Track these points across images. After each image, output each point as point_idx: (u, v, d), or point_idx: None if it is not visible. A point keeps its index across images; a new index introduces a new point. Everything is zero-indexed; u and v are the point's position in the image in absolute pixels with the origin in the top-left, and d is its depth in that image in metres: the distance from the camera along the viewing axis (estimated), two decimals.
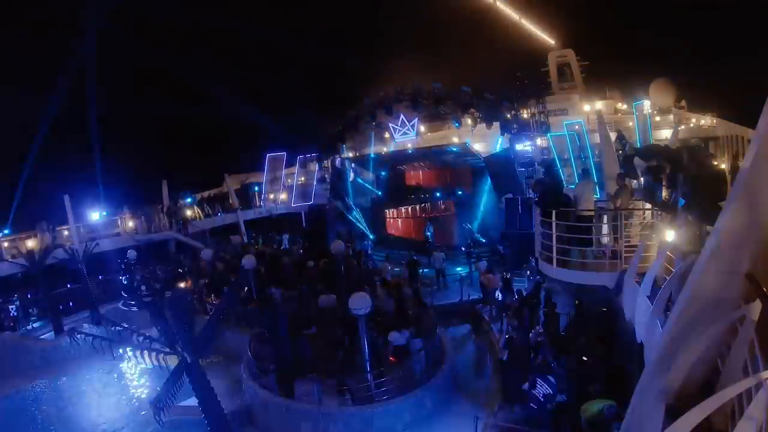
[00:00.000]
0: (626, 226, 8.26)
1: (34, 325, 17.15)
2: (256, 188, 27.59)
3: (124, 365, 14.48)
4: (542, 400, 7.27)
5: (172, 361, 9.13)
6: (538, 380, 7.34)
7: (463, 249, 19.22)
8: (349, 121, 23.52)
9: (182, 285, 17.14)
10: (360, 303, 9.16)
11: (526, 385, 7.77)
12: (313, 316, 11.86)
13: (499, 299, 12.93)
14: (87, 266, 18.13)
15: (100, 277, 20.23)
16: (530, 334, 9.85)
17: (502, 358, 9.86)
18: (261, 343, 11.48)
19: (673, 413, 3.73)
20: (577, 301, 10.05)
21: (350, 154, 25.72)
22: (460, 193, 24.29)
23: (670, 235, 6.39)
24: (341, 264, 14.70)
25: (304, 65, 50.85)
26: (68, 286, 18.91)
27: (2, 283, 17.49)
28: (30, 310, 17.40)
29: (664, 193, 7.48)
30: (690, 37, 37.99)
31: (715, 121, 23.97)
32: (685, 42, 37.56)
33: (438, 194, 25.91)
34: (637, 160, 10.20)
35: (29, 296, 17.59)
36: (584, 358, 8.10)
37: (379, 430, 9.47)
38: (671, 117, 22.88)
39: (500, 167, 18.24)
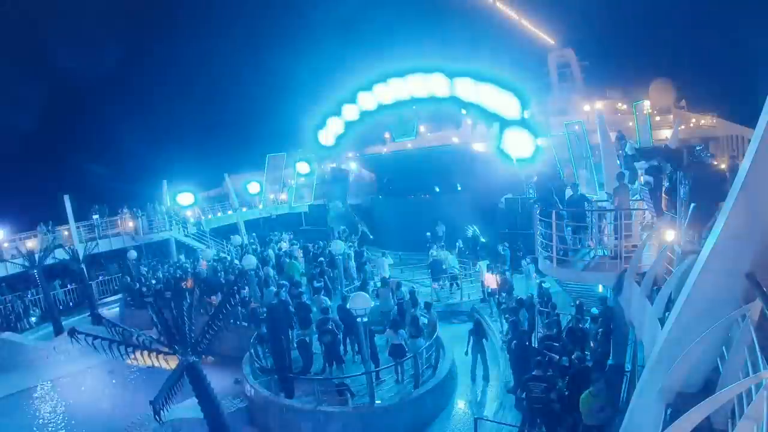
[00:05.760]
0: (626, 226, 8.24)
1: (34, 325, 17.13)
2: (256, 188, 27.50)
3: (123, 365, 14.43)
4: (542, 399, 7.26)
5: (172, 361, 9.12)
6: (537, 380, 7.33)
7: (465, 249, 19.15)
8: (348, 120, 23.44)
9: (183, 285, 17.12)
10: (360, 303, 9.13)
11: (523, 389, 7.76)
12: (313, 317, 11.84)
13: (499, 299, 12.92)
14: (87, 266, 18.14)
15: (100, 277, 20.24)
16: (530, 334, 9.85)
17: (503, 357, 9.86)
18: (261, 343, 11.47)
19: (673, 413, 3.74)
20: (577, 301, 10.05)
21: (350, 154, 25.72)
22: (461, 193, 24.23)
23: (670, 235, 6.39)
24: (341, 264, 14.70)
25: (305, 63, 50.81)
26: (68, 286, 18.92)
27: (2, 283, 17.50)
28: (30, 310, 17.38)
29: (664, 193, 7.46)
30: (690, 37, 37.94)
31: (715, 121, 23.99)
32: (685, 42, 37.51)
33: (439, 194, 25.82)
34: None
35: (29, 296, 17.58)
36: (583, 358, 8.10)
37: (378, 430, 9.46)
38: (671, 117, 22.91)
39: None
